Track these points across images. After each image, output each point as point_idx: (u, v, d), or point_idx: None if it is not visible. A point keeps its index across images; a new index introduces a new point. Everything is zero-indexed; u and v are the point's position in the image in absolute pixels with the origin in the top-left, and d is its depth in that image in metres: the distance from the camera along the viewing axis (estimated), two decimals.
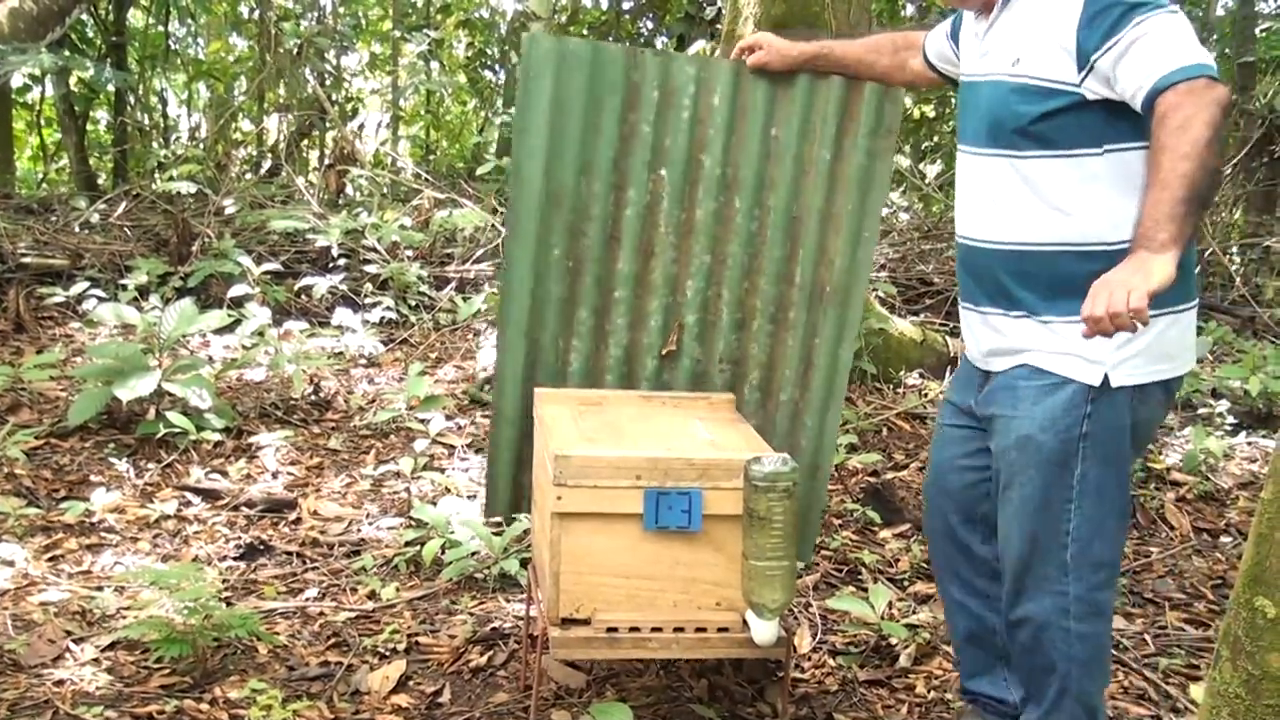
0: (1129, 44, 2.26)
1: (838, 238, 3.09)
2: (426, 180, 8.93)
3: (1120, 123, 2.37)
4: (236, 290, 6.26)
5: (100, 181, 11.00)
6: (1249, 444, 5.22)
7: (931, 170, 10.55)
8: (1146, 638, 3.57)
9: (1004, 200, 2.53)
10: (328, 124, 10.52)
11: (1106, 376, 2.40)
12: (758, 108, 3.09)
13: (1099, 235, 2.40)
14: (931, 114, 11.47)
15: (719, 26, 7.74)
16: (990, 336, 2.62)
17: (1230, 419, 5.38)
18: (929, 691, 3.21)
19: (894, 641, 3.43)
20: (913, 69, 3.02)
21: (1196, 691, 3.18)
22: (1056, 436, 2.44)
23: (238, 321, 5.77)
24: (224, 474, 4.58)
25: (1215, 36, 11.30)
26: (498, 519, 4.18)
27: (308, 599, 3.68)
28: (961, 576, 2.84)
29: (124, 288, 6.26)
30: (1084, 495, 2.45)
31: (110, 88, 10.46)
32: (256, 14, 11.34)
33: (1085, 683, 2.53)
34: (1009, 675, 2.81)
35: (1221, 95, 2.19)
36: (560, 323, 3.16)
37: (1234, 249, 8.50)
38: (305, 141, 11.41)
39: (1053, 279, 2.45)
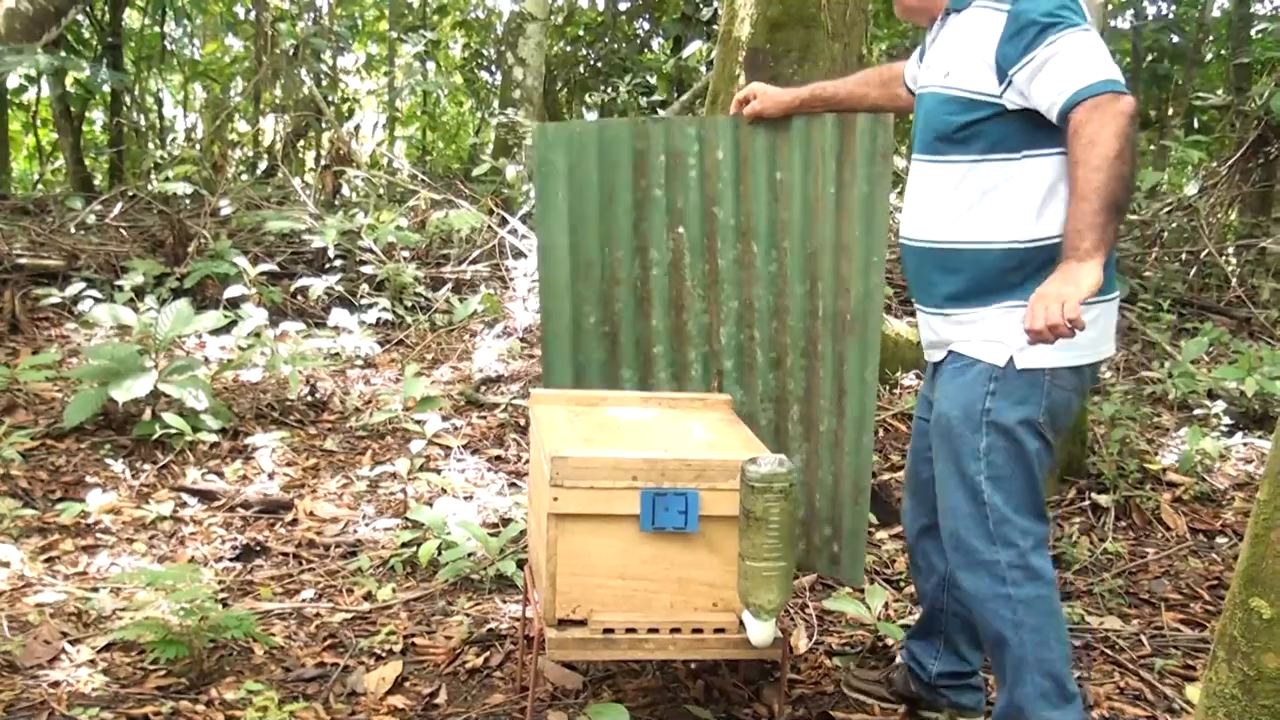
0: (1043, 61, 2.44)
1: (851, 266, 3.13)
2: (422, 181, 8.92)
3: (1038, 131, 2.54)
4: (232, 291, 6.25)
5: (96, 182, 10.98)
6: (1245, 445, 5.22)
7: None
8: (1143, 638, 3.58)
9: (933, 202, 2.72)
10: (324, 125, 10.51)
11: (1012, 358, 2.58)
12: (760, 156, 3.23)
13: (1014, 235, 2.59)
14: None
15: (715, 27, 7.75)
16: (927, 331, 2.85)
17: (1226, 420, 5.38)
18: None
19: (890, 642, 3.43)
20: (903, 98, 3.14)
21: (1192, 692, 3.19)
22: (963, 412, 2.64)
23: (234, 322, 5.76)
24: (220, 475, 4.58)
25: (1211, 37, 11.33)
26: (494, 521, 4.19)
27: (304, 600, 3.67)
28: (924, 554, 3.01)
29: (120, 289, 6.24)
30: (993, 466, 2.60)
31: (106, 88, 10.46)
32: (252, 15, 11.33)
33: (1041, 650, 2.58)
34: (941, 649, 3.00)
35: (1126, 105, 2.37)
36: (604, 383, 3.36)
37: (1230, 250, 8.50)
38: (301, 142, 11.40)
39: (973, 275, 2.64)
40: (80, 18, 10.26)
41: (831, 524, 3.25)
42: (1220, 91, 11.01)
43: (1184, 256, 8.16)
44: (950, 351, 2.74)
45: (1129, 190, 2.41)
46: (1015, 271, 2.58)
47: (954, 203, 2.65)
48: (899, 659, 3.18)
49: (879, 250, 3.09)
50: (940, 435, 2.70)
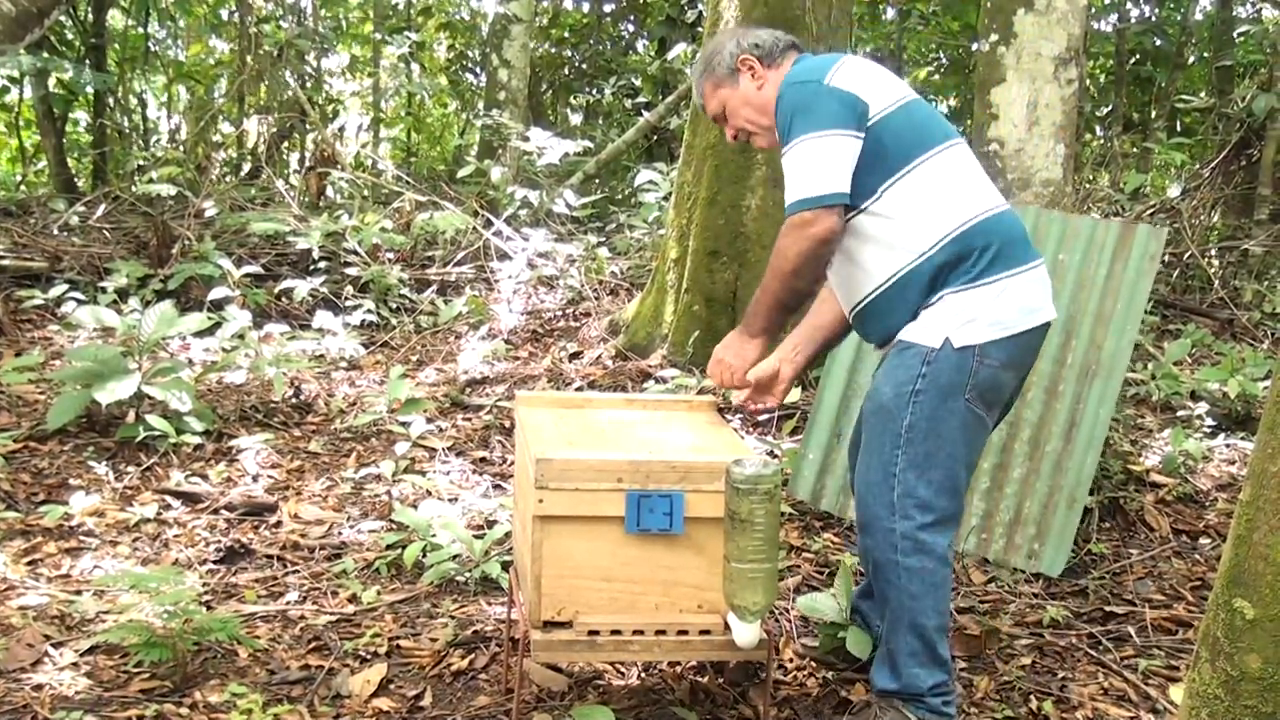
0: (784, 160, 2.81)
1: (1105, 330, 4.04)
2: (407, 183, 8.91)
3: (868, 174, 2.80)
4: (216, 293, 6.24)
5: (79, 184, 10.93)
6: (1228, 446, 5.25)
7: None
8: (1126, 639, 3.59)
9: (837, 274, 3.00)
10: (308, 126, 10.49)
11: (948, 339, 2.77)
12: (1051, 239, 4.16)
13: (911, 256, 2.81)
14: None
15: (700, 29, 7.75)
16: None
17: (1209, 421, 5.40)
18: None
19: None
20: None
21: (1176, 693, 3.20)
22: (893, 389, 2.82)
23: (218, 324, 5.74)
24: (204, 477, 4.56)
25: (1194, 40, 11.37)
26: (479, 523, 4.17)
27: (288, 603, 3.67)
28: None
29: (103, 290, 6.23)
30: (910, 443, 2.78)
31: (89, 90, 10.41)
32: (236, 16, 11.30)
33: (918, 615, 2.80)
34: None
35: (818, 230, 2.74)
36: None
37: (1212, 252, 8.53)
38: (285, 144, 11.36)
39: (901, 302, 2.86)
40: (64, 19, 10.21)
41: (1038, 526, 3.99)
42: (1203, 94, 11.06)
43: (1167, 258, 8.19)
44: (898, 340, 2.90)
45: (800, 296, 2.89)
46: (936, 274, 2.80)
47: (852, 264, 2.91)
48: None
49: (1134, 321, 4.03)
50: (871, 408, 2.89)
